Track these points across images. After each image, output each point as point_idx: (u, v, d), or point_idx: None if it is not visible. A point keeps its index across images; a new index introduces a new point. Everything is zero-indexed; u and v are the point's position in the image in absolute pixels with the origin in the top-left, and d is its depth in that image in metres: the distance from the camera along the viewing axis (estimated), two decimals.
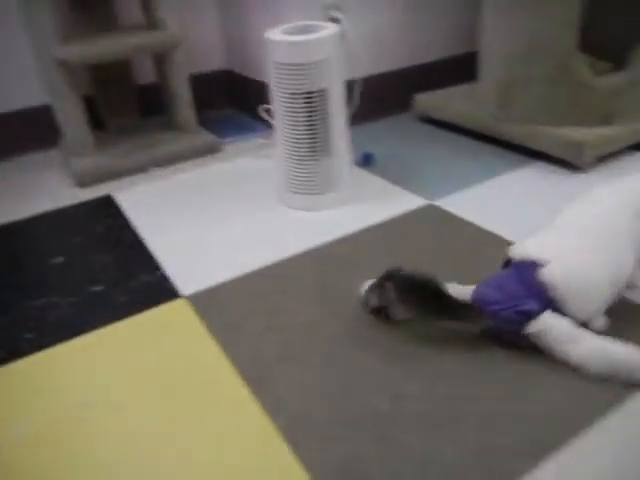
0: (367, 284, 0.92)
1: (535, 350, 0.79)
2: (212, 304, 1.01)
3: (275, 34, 1.20)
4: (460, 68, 1.91)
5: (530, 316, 0.76)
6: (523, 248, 0.83)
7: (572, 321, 0.77)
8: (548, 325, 0.76)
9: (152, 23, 1.62)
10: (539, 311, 0.76)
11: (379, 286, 0.88)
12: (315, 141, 1.24)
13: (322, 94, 1.20)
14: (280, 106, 1.24)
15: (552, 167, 1.42)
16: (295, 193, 1.32)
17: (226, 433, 0.74)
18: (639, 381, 0.74)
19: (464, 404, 0.75)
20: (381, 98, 1.85)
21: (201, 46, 2.01)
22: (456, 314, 0.81)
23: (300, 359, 0.86)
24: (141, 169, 1.62)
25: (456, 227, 1.20)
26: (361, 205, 1.33)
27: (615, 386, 0.74)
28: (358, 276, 0.97)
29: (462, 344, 0.85)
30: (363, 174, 1.49)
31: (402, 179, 1.43)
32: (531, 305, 0.76)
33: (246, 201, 1.40)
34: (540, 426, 0.70)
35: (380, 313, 0.89)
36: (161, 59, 1.67)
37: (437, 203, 1.30)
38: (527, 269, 0.79)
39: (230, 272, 1.10)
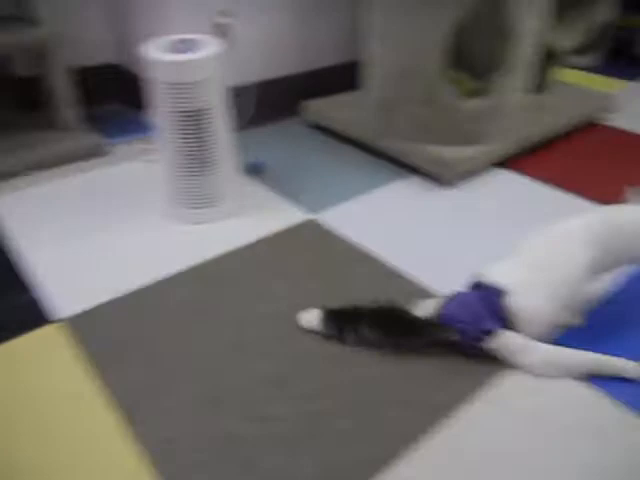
0: (314, 312, 1.00)
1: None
2: (89, 328, 1.01)
3: (156, 50, 1.20)
4: (352, 75, 1.99)
5: (488, 334, 0.91)
6: (492, 275, 0.96)
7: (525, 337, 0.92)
8: (502, 341, 0.91)
9: (27, 18, 1.53)
10: (496, 329, 0.91)
11: (335, 315, 0.98)
12: (198, 156, 1.26)
13: (204, 112, 1.22)
14: (163, 121, 1.24)
15: (425, 182, 1.56)
16: (181, 206, 1.34)
17: (93, 464, 0.77)
18: (582, 377, 0.91)
19: (324, 422, 0.84)
20: (272, 103, 1.89)
21: (88, 40, 1.92)
22: (423, 332, 0.95)
23: (172, 386, 0.90)
24: (14, 173, 1.54)
25: (331, 243, 1.28)
26: (246, 219, 1.38)
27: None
28: (235, 297, 1.02)
29: (329, 365, 0.94)
30: (251, 185, 1.53)
31: (287, 190, 1.49)
32: (492, 325, 0.91)
33: (131, 212, 1.39)
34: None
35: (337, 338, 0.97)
36: (38, 53, 1.58)
37: (317, 217, 1.38)
38: (493, 295, 0.93)
39: (111, 292, 1.10)
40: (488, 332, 0.91)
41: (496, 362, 0.93)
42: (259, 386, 0.90)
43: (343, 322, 0.97)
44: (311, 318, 1.00)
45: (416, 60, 1.45)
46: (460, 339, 0.93)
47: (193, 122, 1.22)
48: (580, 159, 1.73)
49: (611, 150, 1.80)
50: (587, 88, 2.04)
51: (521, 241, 1.01)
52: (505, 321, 0.92)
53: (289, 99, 1.93)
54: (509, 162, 1.66)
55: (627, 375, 0.92)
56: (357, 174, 1.60)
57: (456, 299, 0.97)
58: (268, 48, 1.83)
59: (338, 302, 1.01)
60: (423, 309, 0.98)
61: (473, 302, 0.94)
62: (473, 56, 1.65)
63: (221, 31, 1.55)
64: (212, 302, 1.08)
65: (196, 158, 1.26)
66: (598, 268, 0.98)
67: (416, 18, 1.41)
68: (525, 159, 1.69)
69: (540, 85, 1.93)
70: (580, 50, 2.52)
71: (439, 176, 1.53)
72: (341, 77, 2.03)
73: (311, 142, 1.81)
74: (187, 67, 1.17)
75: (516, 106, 1.72)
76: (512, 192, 1.52)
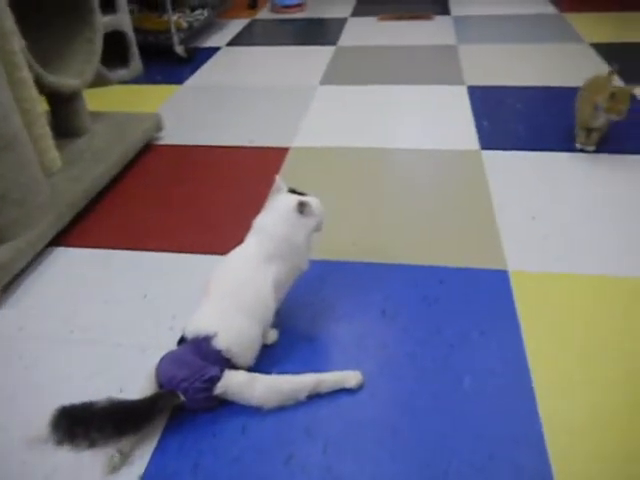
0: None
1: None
2: None
3: None
4: None
5: (214, 380, 0.91)
6: (194, 326, 0.95)
7: (244, 371, 0.95)
8: (228, 383, 0.92)
9: None
10: (220, 374, 0.91)
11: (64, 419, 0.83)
12: None
13: None
14: None
15: None
16: None
17: None
18: (304, 399, 0.95)
19: None
20: None
21: None
22: (150, 410, 0.89)
23: None
24: None
25: None
26: None
27: None
28: None
29: None
30: None
31: None
32: (212, 371, 0.91)
33: None
34: None
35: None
36: None
37: None
38: (201, 342, 0.93)
39: None
40: (212, 379, 0.91)
41: None
42: None
43: (73, 425, 0.83)
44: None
45: None
46: (186, 398, 0.90)
47: None
48: (144, 200, 1.59)
49: (173, 177, 1.72)
50: (129, 114, 1.89)
51: (206, 282, 1.01)
52: (222, 363, 0.93)
53: None
54: (67, 238, 1.41)
55: (349, 385, 0.97)
56: None
57: (168, 360, 0.94)
58: None
59: None
60: (145, 388, 0.92)
61: (186, 357, 0.93)
62: None
63: None
64: None
65: None
66: (282, 279, 1.01)
67: None
68: (85, 225, 1.47)
69: (74, 130, 1.70)
70: (111, 67, 2.39)
71: None
72: None
73: None
74: None
75: (50, 168, 1.47)
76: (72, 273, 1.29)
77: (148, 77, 2.50)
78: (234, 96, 2.25)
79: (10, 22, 1.30)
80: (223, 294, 0.98)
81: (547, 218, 1.41)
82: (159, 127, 1.89)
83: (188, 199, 1.57)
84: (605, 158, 1.68)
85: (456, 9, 3.34)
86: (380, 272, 1.26)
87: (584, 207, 1.46)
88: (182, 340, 0.97)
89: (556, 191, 1.53)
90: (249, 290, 0.98)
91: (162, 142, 1.90)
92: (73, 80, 1.64)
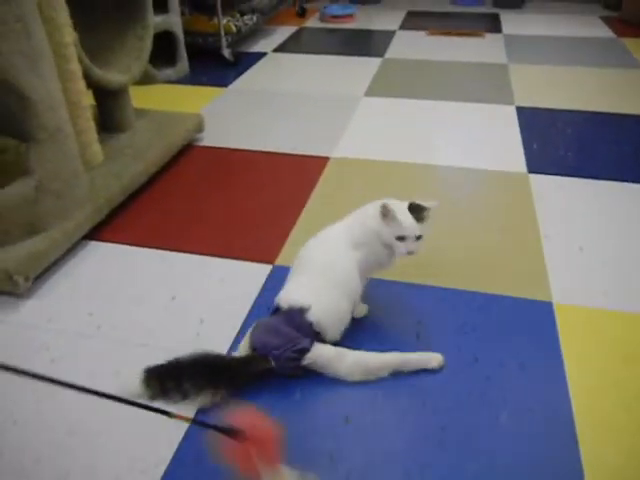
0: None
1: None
2: None
3: None
4: None
5: (304, 352, 0.96)
6: (287, 297, 1.01)
7: (332, 344, 1.00)
8: (317, 355, 0.97)
9: None
10: (310, 346, 0.96)
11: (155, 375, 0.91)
12: None
13: None
14: None
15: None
16: None
17: None
18: (387, 376, 1.00)
19: None
20: None
21: None
22: (242, 370, 0.97)
23: None
24: None
25: None
26: None
27: None
28: None
29: None
30: None
31: None
32: (304, 343, 0.96)
33: None
34: None
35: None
36: None
37: None
38: (295, 314, 0.98)
39: None
40: (302, 351, 0.96)
41: None
42: None
43: (165, 380, 0.91)
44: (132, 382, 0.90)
45: None
46: (276, 365, 0.95)
47: None
48: (179, 203, 1.58)
49: (209, 178, 1.71)
50: (173, 114, 1.89)
51: (296, 259, 1.06)
52: (312, 335, 0.97)
53: None
54: (101, 233, 1.41)
55: (431, 366, 1.01)
56: None
57: (262, 328, 1.00)
58: None
59: None
60: (241, 349, 1.00)
61: (279, 326, 0.97)
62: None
63: None
64: None
65: None
66: (364, 267, 1.03)
67: None
68: (120, 221, 1.46)
69: (118, 125, 1.71)
70: (158, 66, 2.41)
71: (5, 290, 1.18)
72: None
73: None
74: None
75: (91, 162, 1.47)
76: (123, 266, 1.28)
77: (194, 78, 2.51)
78: (277, 102, 2.24)
79: (64, 14, 1.31)
80: (315, 271, 1.03)
81: (595, 250, 1.34)
82: (201, 128, 1.89)
83: (223, 203, 1.55)
84: None
85: (508, 28, 3.27)
86: (417, 294, 1.20)
87: (633, 240, 1.37)
88: (276, 310, 1.02)
89: (605, 222, 1.45)
90: (338, 268, 1.02)
91: (203, 143, 1.89)
92: (121, 75, 1.65)
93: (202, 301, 1.19)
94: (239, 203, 1.55)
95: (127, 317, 1.15)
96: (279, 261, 1.30)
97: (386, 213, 0.98)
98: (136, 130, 1.75)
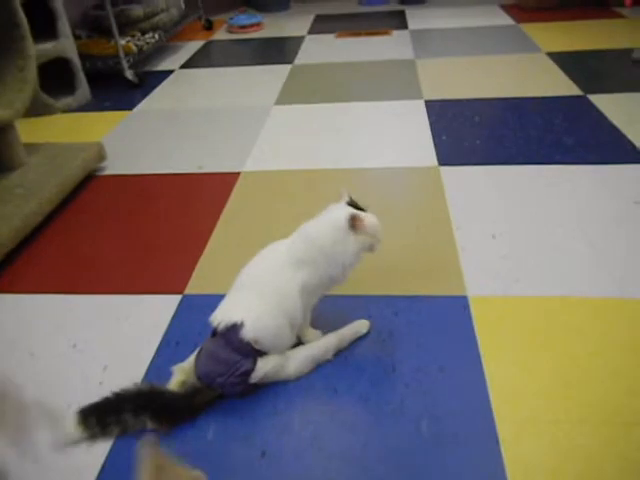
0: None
1: None
2: None
3: None
4: None
5: (248, 373, 0.93)
6: (220, 315, 0.95)
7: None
8: (263, 371, 0.94)
9: None
10: (252, 366, 0.93)
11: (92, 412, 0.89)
12: None
13: None
14: None
15: None
16: None
17: None
18: (332, 358, 1.02)
19: None
20: None
21: None
22: (190, 404, 0.93)
23: None
24: None
25: None
26: None
27: None
28: None
29: None
30: None
31: None
32: (246, 365, 0.93)
33: None
34: None
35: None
36: None
37: None
38: (231, 334, 0.93)
39: None
40: (245, 373, 0.93)
41: None
42: None
43: (103, 416, 0.89)
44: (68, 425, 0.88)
45: None
46: (224, 391, 0.94)
47: None
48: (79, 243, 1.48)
49: (113, 209, 1.61)
50: (68, 145, 1.78)
51: (236, 277, 1.00)
52: (253, 353, 0.94)
53: None
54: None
55: (363, 332, 1.07)
56: None
57: (203, 355, 0.96)
58: None
59: None
60: (181, 373, 0.97)
61: (218, 351, 0.94)
62: None
63: None
64: None
65: None
66: (310, 286, 0.97)
67: None
68: (14, 268, 1.35)
69: (6, 164, 1.59)
70: (55, 95, 2.28)
71: None
72: None
73: None
74: None
75: None
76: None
77: (96, 104, 2.39)
78: (185, 120, 2.16)
79: None
80: (250, 288, 0.98)
81: (507, 236, 1.35)
82: (101, 157, 1.79)
83: (128, 235, 1.47)
84: (570, 169, 1.63)
85: (414, 23, 3.32)
86: (326, 304, 1.16)
87: (545, 223, 1.39)
88: (213, 333, 0.97)
89: (516, 206, 1.47)
90: (274, 285, 0.97)
91: (106, 172, 1.79)
92: (2, 111, 1.53)
93: (105, 345, 1.11)
94: (145, 233, 1.47)
95: (23, 373, 1.05)
96: (189, 290, 1.23)
97: (357, 224, 0.93)
98: (28, 167, 1.63)
